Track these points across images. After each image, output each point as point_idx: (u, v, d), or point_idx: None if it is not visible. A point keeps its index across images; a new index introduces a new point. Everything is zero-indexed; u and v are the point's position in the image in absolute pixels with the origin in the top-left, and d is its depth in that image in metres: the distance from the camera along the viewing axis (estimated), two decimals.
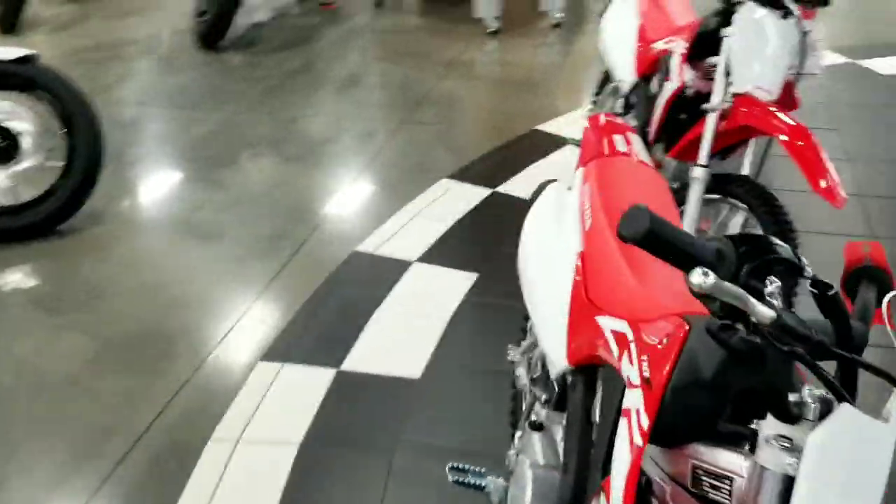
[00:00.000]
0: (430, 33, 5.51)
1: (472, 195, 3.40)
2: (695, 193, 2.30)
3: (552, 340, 1.58)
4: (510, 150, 3.79)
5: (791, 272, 0.92)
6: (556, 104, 4.33)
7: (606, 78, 3.29)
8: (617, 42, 2.96)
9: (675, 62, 2.45)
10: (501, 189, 3.44)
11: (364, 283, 2.87)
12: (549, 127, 3.99)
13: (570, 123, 3.98)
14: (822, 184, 2.03)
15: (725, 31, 2.30)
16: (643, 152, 1.83)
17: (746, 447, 0.98)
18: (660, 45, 2.68)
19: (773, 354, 0.94)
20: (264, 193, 3.51)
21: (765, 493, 0.92)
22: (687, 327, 1.14)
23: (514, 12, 5.61)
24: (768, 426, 0.95)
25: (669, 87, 2.45)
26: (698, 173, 2.29)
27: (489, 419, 2.24)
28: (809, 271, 0.92)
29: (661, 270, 1.51)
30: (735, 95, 2.26)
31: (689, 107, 2.47)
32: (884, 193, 3.34)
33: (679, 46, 2.47)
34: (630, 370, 1.20)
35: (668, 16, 2.83)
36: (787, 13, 2.24)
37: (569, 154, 3.63)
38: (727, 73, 2.28)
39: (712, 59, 2.41)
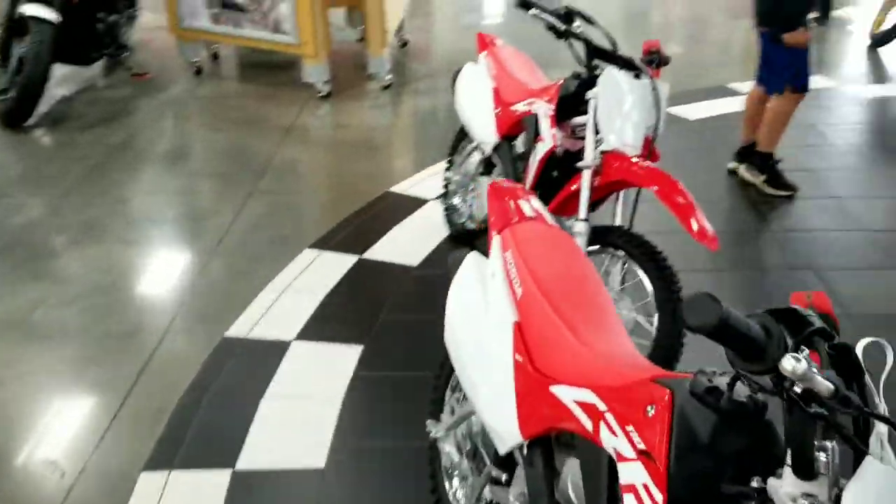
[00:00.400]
0: (259, 99, 5.39)
1: (339, 263, 3.31)
2: (580, 246, 2.39)
3: (499, 416, 1.55)
4: (369, 213, 3.74)
5: (822, 336, 0.95)
6: (403, 164, 4.36)
7: (461, 137, 3.36)
8: (473, 105, 3.04)
9: (546, 124, 2.54)
10: (368, 255, 3.38)
11: (242, 372, 2.69)
12: (402, 188, 3.99)
13: (422, 182, 4.02)
14: (695, 227, 2.17)
15: (590, 94, 2.43)
16: (548, 215, 1.86)
17: None
18: (521, 107, 2.77)
19: (787, 414, 0.97)
20: (109, 284, 3.22)
21: None
22: (669, 393, 1.15)
23: (343, 76, 5.62)
24: (788, 484, 0.97)
25: (542, 148, 2.54)
26: (580, 227, 2.38)
27: (409, 501, 2.15)
28: (837, 336, 0.96)
29: (599, 331, 1.53)
30: (604, 152, 2.39)
31: (560, 165, 2.56)
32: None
33: (545, 108, 2.57)
34: (616, 442, 1.19)
35: (520, 79, 2.95)
36: (638, 74, 2.40)
37: (431, 212, 3.66)
38: (596, 132, 2.40)
39: (578, 120, 2.52)
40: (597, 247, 2.39)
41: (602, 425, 1.25)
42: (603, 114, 2.38)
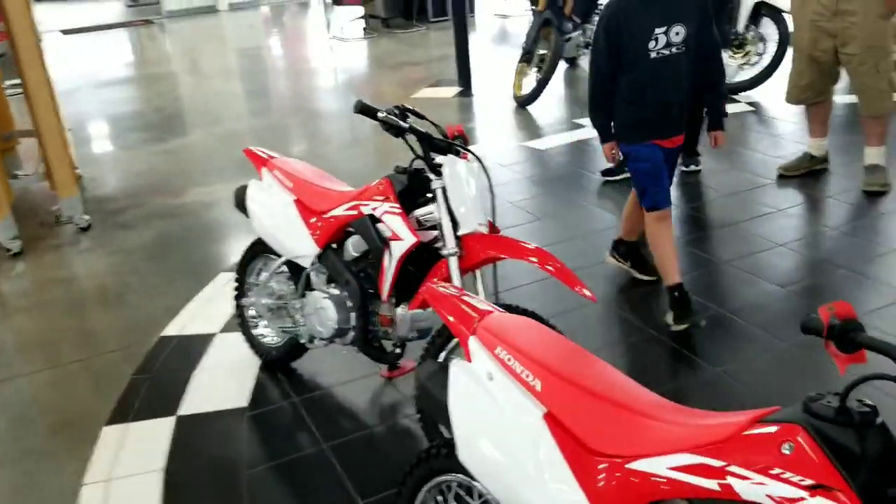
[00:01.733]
0: None
1: (154, 432, 2.86)
2: None
3: None
4: (154, 368, 3.29)
5: None
6: (163, 304, 3.90)
7: (249, 259, 3.17)
8: (278, 221, 2.89)
9: (397, 221, 2.51)
10: (185, 411, 2.97)
11: None
12: (178, 328, 3.59)
13: (198, 316, 3.66)
14: (578, 288, 2.33)
15: (437, 184, 2.47)
16: (493, 306, 1.86)
17: None
18: (342, 212, 2.70)
19: None
20: None
21: None
22: (798, 427, 1.24)
23: (31, 228, 4.89)
24: None
25: (401, 246, 2.50)
26: None
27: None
28: None
29: (635, 396, 1.56)
30: (461, 236, 2.44)
31: (413, 260, 2.55)
32: (583, 264, 3.86)
33: (386, 207, 2.54)
34: (766, 490, 1.23)
35: (323, 187, 2.89)
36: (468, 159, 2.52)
37: (226, 346, 3.35)
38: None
39: (421, 211, 2.54)
40: None
41: (732, 480, 1.28)
42: (454, 200, 2.43)
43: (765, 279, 3.67)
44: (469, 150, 2.53)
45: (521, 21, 11.28)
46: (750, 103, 6.40)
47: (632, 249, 3.74)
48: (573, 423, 1.52)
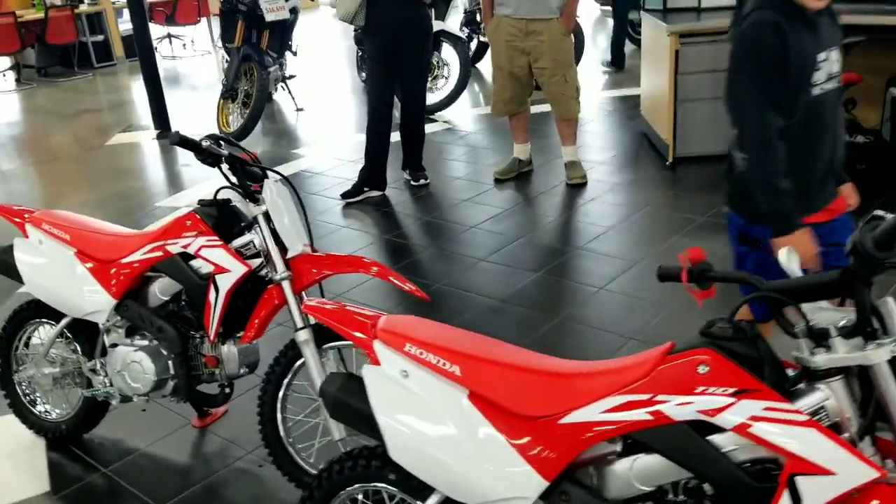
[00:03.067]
0: None
1: None
2: (311, 353, 2.37)
3: (508, 482, 1.60)
4: None
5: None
6: None
7: (18, 327, 2.80)
8: (57, 279, 2.59)
9: (221, 253, 2.39)
10: None
11: None
12: None
13: None
14: (408, 287, 2.43)
15: (257, 210, 2.40)
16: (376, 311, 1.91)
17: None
18: (142, 256, 2.51)
19: None
20: None
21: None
22: (707, 350, 1.49)
23: None
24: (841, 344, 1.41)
25: (229, 278, 2.38)
26: (305, 335, 2.37)
27: None
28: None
29: (538, 360, 1.73)
30: (289, 259, 2.42)
31: (238, 292, 2.45)
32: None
33: (203, 241, 2.41)
34: (694, 407, 1.46)
35: (109, 232, 2.66)
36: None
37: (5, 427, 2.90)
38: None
39: (240, 241, 2.46)
40: (333, 344, 2.42)
41: (661, 406, 1.49)
42: (279, 224, 2.40)
43: (520, 268, 4.09)
44: (278, 173, 2.51)
45: (192, 62, 11.05)
46: (445, 121, 7.00)
47: None
48: (499, 396, 1.64)
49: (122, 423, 2.90)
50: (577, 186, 5.14)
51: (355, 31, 8.41)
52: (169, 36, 11.87)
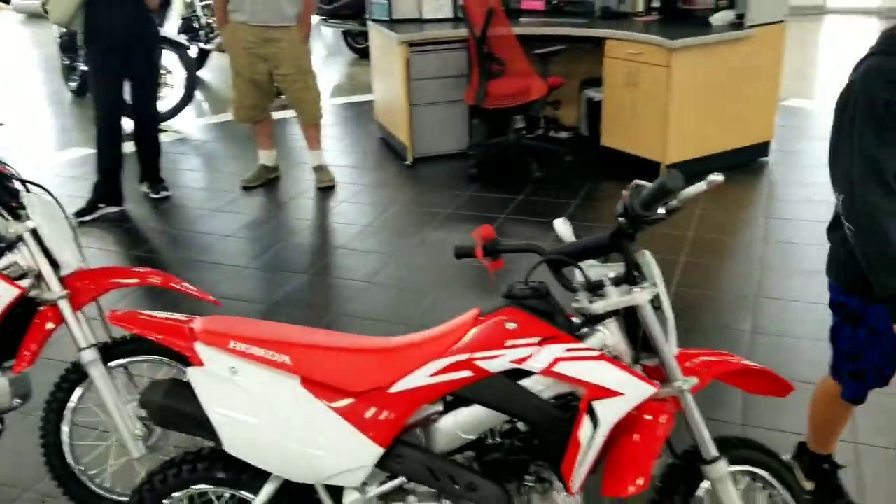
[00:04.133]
0: None
1: None
2: (100, 373, 2.27)
3: (347, 455, 1.73)
4: None
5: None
6: None
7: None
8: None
9: None
10: None
11: None
12: None
13: None
14: (196, 292, 2.40)
15: (21, 228, 2.22)
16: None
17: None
18: None
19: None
20: None
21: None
22: (512, 308, 1.73)
23: None
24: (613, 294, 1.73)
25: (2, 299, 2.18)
26: (91, 355, 2.26)
27: None
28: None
29: (353, 339, 1.86)
30: (63, 278, 2.28)
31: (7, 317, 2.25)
32: None
33: None
34: (507, 358, 1.69)
35: None
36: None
37: None
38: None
39: (2, 263, 2.26)
40: (123, 360, 2.33)
41: (479, 363, 1.70)
42: (51, 240, 2.25)
43: (286, 271, 4.15)
44: (40, 186, 2.35)
45: None
46: (175, 131, 6.76)
47: (821, 468, 2.42)
48: (330, 378, 1.75)
49: None
50: (326, 189, 5.28)
51: (61, 37, 7.79)
52: None
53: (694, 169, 5.14)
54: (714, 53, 4.96)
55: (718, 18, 5.13)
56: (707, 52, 4.93)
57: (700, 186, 1.64)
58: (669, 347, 1.74)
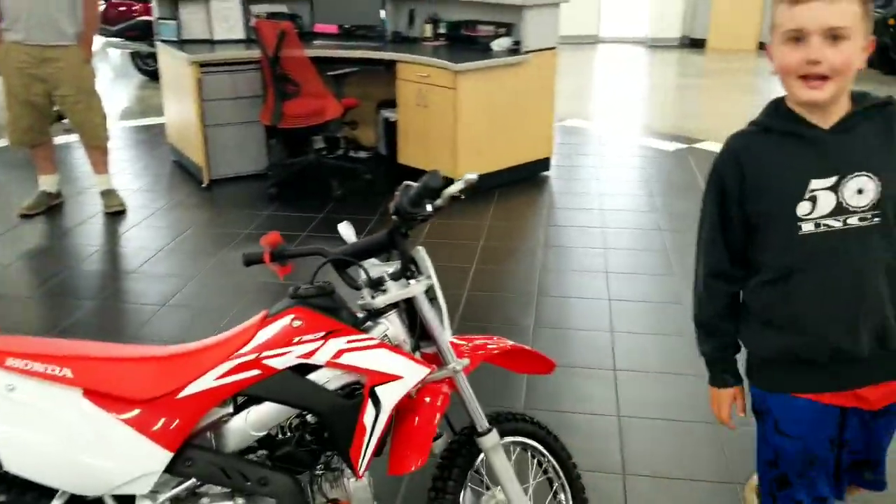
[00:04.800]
0: None
1: None
2: None
3: (135, 463, 1.73)
4: None
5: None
6: None
7: None
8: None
9: None
10: None
11: None
12: None
13: None
14: None
15: None
16: None
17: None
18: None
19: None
20: None
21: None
22: (297, 307, 1.83)
23: None
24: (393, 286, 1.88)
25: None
26: None
27: None
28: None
29: (126, 350, 1.87)
30: None
31: None
32: None
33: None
34: (292, 354, 1.78)
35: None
36: None
37: None
38: None
39: None
40: None
41: (267, 361, 1.78)
42: None
43: (74, 297, 3.96)
44: None
45: None
46: None
47: None
48: (114, 388, 1.75)
49: None
50: (116, 214, 5.08)
51: None
52: None
53: (484, 183, 5.50)
54: (495, 76, 5.35)
55: (498, 44, 5.54)
56: (489, 75, 5.31)
57: (458, 185, 1.84)
58: (443, 333, 1.92)
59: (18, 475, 1.69)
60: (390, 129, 5.94)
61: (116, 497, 1.76)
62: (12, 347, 1.75)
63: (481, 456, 2.01)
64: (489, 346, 2.06)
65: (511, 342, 2.10)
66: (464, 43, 5.84)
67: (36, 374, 1.72)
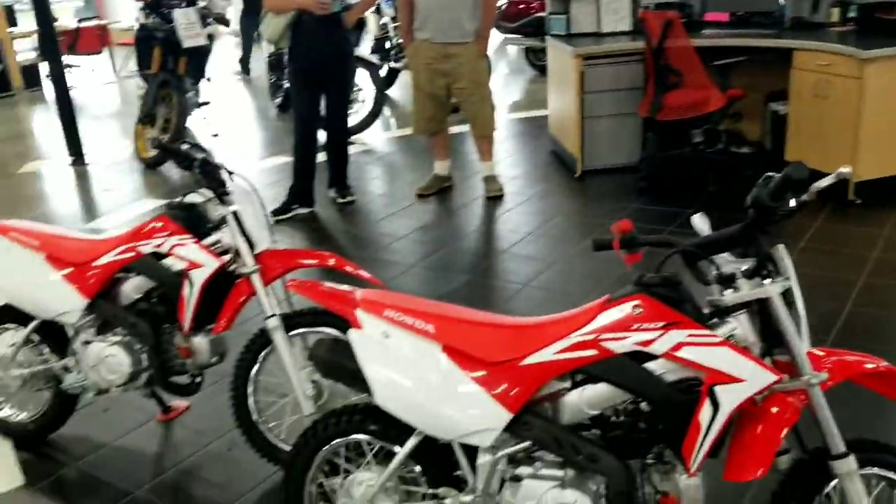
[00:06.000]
0: None
1: None
2: (281, 338, 2.58)
3: (480, 417, 1.89)
4: None
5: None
6: None
7: None
8: (27, 283, 2.74)
9: (193, 249, 2.58)
10: None
11: None
12: None
13: None
14: (366, 275, 2.69)
15: (225, 210, 2.60)
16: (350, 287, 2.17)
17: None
18: (114, 258, 2.67)
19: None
20: None
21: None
22: (641, 296, 1.82)
23: None
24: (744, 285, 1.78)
25: (204, 273, 2.56)
26: (275, 322, 2.58)
27: None
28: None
29: (496, 317, 2.02)
30: (258, 254, 2.64)
31: (208, 287, 2.64)
32: None
33: (175, 240, 2.60)
34: (632, 340, 1.78)
35: (76, 238, 2.85)
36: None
37: None
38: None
39: (209, 240, 2.66)
40: (300, 330, 2.65)
41: (604, 343, 1.81)
42: (249, 222, 2.62)
43: (451, 271, 4.41)
44: (243, 177, 2.74)
45: (89, 92, 10.90)
46: (362, 144, 7.27)
47: None
48: (469, 347, 1.93)
49: (87, 422, 3.03)
50: (495, 199, 5.50)
51: (269, 57, 8.63)
52: (67, 66, 11.67)
53: (888, 187, 4.84)
54: None
55: None
56: None
57: (829, 179, 1.66)
58: (800, 342, 1.76)
59: (386, 410, 1.97)
60: (779, 122, 5.52)
61: (462, 446, 1.95)
62: (390, 301, 2.03)
63: (833, 483, 1.81)
64: (856, 364, 1.84)
65: (886, 363, 1.85)
66: (877, 27, 5.18)
67: (406, 325, 1.97)
